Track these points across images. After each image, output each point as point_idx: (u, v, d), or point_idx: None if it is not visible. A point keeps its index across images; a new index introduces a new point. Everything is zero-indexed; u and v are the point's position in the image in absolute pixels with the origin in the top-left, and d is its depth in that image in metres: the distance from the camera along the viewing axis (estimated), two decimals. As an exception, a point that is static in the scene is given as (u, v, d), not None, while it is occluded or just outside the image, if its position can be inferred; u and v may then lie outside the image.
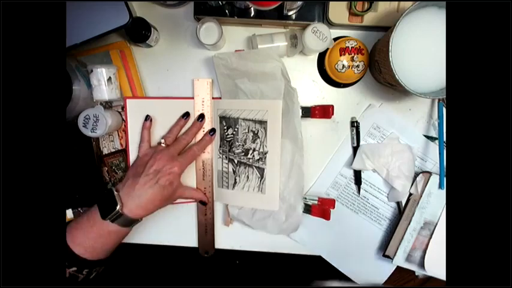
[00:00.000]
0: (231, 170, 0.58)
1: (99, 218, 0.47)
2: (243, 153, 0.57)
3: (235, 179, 0.58)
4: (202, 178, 0.59)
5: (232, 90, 0.57)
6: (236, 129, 0.57)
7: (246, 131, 0.57)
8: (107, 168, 0.60)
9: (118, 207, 0.47)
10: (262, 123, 0.56)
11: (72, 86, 0.51)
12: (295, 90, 0.56)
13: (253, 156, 0.57)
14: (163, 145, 0.54)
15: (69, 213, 0.61)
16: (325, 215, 0.57)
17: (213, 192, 0.60)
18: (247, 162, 0.57)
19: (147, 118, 0.56)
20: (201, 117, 0.57)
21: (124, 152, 0.60)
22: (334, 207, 0.58)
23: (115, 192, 0.49)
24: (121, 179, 0.60)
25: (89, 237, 0.47)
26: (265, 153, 0.56)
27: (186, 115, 0.57)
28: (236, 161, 0.58)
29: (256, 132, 0.56)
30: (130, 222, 0.49)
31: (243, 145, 0.57)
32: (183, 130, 0.57)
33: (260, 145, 0.56)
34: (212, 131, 0.58)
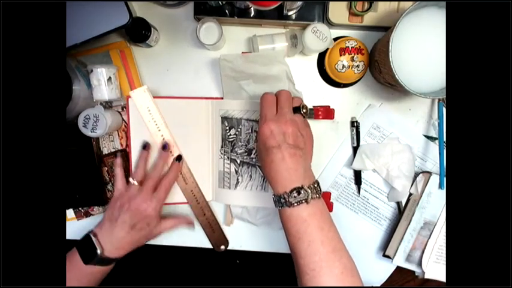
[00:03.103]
0: (233, 170, 0.58)
1: (80, 261, 0.49)
2: (246, 153, 0.57)
3: (237, 179, 0.58)
4: (185, 183, 0.58)
5: (236, 91, 0.57)
6: (239, 130, 0.57)
7: (250, 131, 0.57)
8: (107, 168, 0.60)
9: (99, 252, 0.49)
10: None
11: (72, 86, 0.51)
12: (301, 94, 0.57)
13: (257, 155, 0.57)
14: (135, 183, 0.53)
15: (69, 213, 0.61)
16: (328, 207, 0.58)
17: (201, 192, 0.59)
18: (251, 162, 0.57)
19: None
20: (165, 146, 0.56)
21: (124, 152, 0.60)
22: (330, 199, 0.60)
23: (93, 238, 0.50)
24: (121, 179, 0.60)
25: (73, 278, 0.49)
26: None
27: (146, 146, 0.56)
28: (239, 161, 0.58)
29: None
30: (111, 261, 0.51)
31: (246, 145, 0.57)
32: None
33: None
34: (178, 158, 0.56)
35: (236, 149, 0.58)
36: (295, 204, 0.43)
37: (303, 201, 0.42)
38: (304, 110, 0.48)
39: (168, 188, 0.54)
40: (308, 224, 0.42)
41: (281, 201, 0.44)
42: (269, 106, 0.48)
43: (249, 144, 0.57)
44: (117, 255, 0.51)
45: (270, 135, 0.45)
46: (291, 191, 0.43)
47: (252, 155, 0.57)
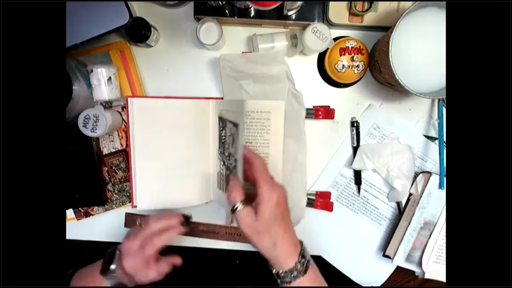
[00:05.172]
0: (227, 172, 0.58)
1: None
2: (227, 157, 0.57)
3: None
4: None
5: (236, 91, 0.57)
6: (226, 131, 0.57)
7: (229, 133, 0.56)
8: (107, 168, 0.60)
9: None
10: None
11: (72, 86, 0.51)
12: (301, 94, 0.57)
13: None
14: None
15: (69, 213, 0.61)
16: (328, 207, 0.60)
17: None
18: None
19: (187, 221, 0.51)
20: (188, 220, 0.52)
21: (124, 152, 0.60)
22: (330, 199, 0.60)
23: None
24: (121, 179, 0.60)
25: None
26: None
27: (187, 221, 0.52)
28: (227, 164, 0.57)
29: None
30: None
31: (228, 148, 0.57)
32: None
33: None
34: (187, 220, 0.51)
35: (225, 151, 0.57)
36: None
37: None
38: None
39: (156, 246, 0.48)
40: None
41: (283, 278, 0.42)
42: (260, 157, 0.44)
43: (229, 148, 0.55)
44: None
45: (278, 202, 0.42)
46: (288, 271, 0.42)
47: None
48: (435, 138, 0.60)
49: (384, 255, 0.59)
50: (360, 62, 0.55)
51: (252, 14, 0.55)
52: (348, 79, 0.58)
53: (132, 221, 0.61)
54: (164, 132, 0.57)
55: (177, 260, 0.50)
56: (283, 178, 0.57)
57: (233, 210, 0.42)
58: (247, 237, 0.42)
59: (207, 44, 0.54)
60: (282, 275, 0.42)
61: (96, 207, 0.61)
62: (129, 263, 0.46)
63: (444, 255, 0.58)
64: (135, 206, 0.58)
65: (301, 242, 0.44)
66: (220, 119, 0.58)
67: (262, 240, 0.42)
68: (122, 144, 0.60)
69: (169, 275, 0.62)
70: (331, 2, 0.55)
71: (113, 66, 0.55)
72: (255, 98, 0.56)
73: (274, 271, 0.43)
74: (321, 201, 0.60)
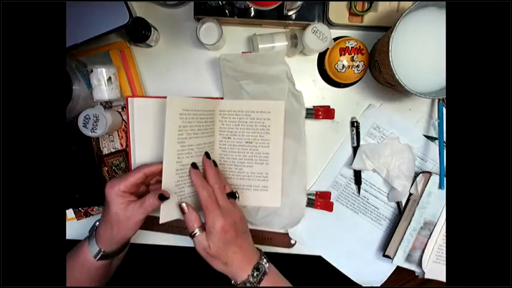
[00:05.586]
0: None
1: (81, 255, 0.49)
2: None
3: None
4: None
5: (236, 91, 0.57)
6: None
7: None
8: (107, 168, 0.60)
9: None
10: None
11: (72, 86, 0.51)
12: (301, 93, 0.57)
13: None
14: None
15: (69, 213, 0.61)
16: (328, 207, 0.60)
17: None
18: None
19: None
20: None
21: (124, 152, 0.60)
22: (330, 199, 0.60)
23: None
24: (121, 179, 0.60)
25: (76, 272, 0.49)
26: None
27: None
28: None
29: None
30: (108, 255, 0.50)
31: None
32: None
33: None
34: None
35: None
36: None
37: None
38: (237, 195, 0.51)
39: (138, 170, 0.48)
40: None
41: None
42: (205, 189, 0.47)
43: None
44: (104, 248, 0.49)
45: (224, 230, 0.45)
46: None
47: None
48: (435, 138, 0.60)
49: (384, 255, 0.59)
50: (360, 62, 0.55)
51: (252, 14, 0.55)
52: (348, 79, 0.58)
53: None
54: (162, 135, 0.57)
55: (166, 193, 0.48)
56: (283, 178, 0.57)
57: (192, 236, 0.47)
58: (203, 258, 0.47)
59: (207, 44, 0.54)
60: (239, 285, 0.46)
61: (96, 207, 0.61)
62: (112, 184, 0.47)
63: (444, 255, 0.58)
64: (135, 206, 0.58)
65: (259, 256, 0.48)
66: None
67: (214, 263, 0.47)
68: (122, 144, 0.60)
69: (169, 274, 0.61)
70: (331, 2, 0.55)
71: (113, 66, 0.55)
72: (255, 98, 0.56)
73: (232, 282, 0.47)
74: (321, 201, 0.60)
